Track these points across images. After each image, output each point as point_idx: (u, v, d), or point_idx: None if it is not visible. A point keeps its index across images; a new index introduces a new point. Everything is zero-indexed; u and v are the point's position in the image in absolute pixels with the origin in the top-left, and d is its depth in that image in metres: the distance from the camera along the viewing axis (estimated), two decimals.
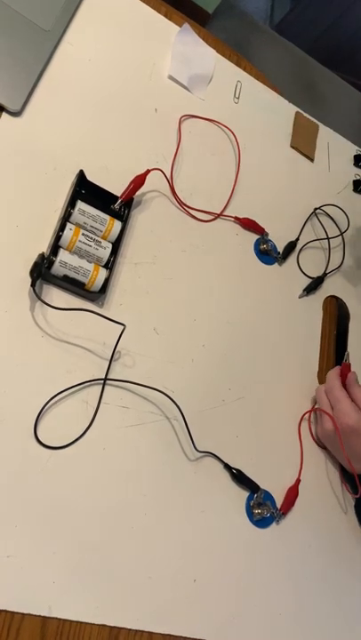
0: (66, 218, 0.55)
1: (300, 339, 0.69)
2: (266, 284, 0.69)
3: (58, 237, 0.53)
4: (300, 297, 0.71)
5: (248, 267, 0.68)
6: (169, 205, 0.65)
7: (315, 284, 0.71)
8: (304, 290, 0.71)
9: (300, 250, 0.73)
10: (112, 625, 0.46)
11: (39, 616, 0.44)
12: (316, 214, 0.77)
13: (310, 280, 0.72)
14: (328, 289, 0.74)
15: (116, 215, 0.58)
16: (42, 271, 0.51)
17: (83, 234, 0.55)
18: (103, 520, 0.49)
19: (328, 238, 0.76)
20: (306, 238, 0.74)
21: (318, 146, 0.82)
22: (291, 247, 0.72)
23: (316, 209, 0.76)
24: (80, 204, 0.56)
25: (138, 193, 0.60)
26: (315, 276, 0.72)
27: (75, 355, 0.52)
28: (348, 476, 0.62)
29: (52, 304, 0.52)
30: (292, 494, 0.58)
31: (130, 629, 0.47)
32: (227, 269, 0.66)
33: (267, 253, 0.70)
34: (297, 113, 0.82)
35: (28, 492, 0.46)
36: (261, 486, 0.57)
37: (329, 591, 0.58)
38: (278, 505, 0.58)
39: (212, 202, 0.68)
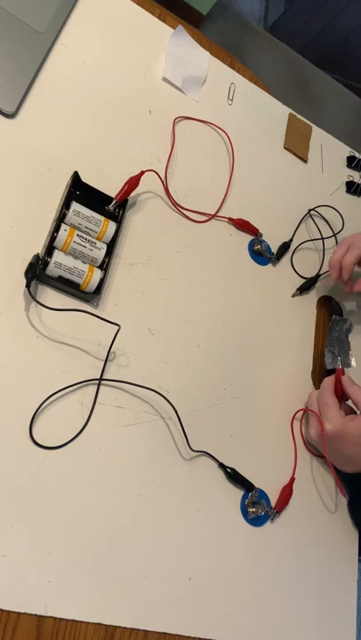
0: (60, 219, 0.55)
1: (294, 339, 0.69)
2: (260, 285, 0.69)
3: (52, 238, 0.54)
4: (293, 296, 0.71)
5: (242, 267, 0.69)
6: (163, 206, 0.65)
7: (308, 284, 0.72)
8: (298, 289, 0.71)
9: (294, 250, 0.74)
10: (108, 623, 0.46)
11: (35, 615, 0.44)
12: (310, 215, 0.77)
13: (304, 280, 0.72)
14: (322, 289, 0.74)
15: (110, 216, 0.59)
16: (37, 272, 0.51)
17: (77, 235, 0.55)
18: (99, 519, 0.49)
19: (322, 239, 0.76)
20: (300, 239, 0.75)
21: (312, 147, 0.83)
22: (285, 248, 0.72)
23: (310, 210, 0.77)
24: (75, 205, 0.56)
25: (132, 194, 0.61)
26: (309, 276, 0.73)
27: (70, 355, 0.53)
28: (341, 476, 0.62)
29: (47, 305, 0.52)
30: (287, 493, 0.59)
31: (125, 628, 0.47)
32: (221, 270, 0.66)
33: (261, 254, 0.70)
34: (290, 114, 0.83)
35: (23, 492, 0.46)
36: (256, 485, 0.57)
37: (323, 589, 0.58)
38: (273, 503, 0.58)
39: (206, 203, 0.68)
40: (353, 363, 0.65)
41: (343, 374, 0.62)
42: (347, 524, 0.63)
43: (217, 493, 0.56)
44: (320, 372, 0.69)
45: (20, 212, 0.55)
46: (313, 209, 0.77)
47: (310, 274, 0.73)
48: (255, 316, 0.67)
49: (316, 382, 0.68)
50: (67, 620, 0.45)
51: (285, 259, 0.73)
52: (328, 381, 0.62)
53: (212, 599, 0.52)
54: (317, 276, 0.73)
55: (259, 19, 2.20)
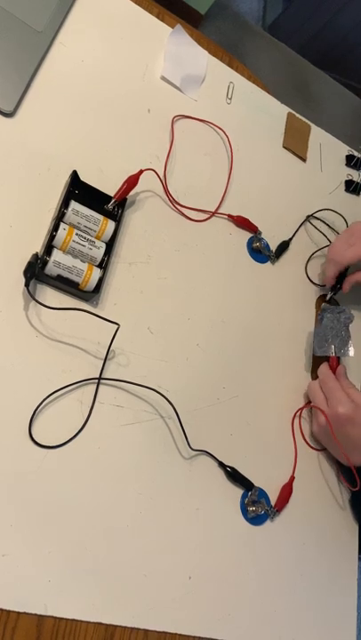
0: (59, 218, 0.55)
1: (293, 337, 0.69)
2: (259, 283, 0.69)
3: (51, 237, 0.54)
4: (328, 299, 0.72)
5: (241, 265, 0.69)
6: (162, 205, 0.65)
7: (338, 287, 0.71)
8: (331, 293, 0.72)
9: (309, 259, 0.74)
10: (108, 623, 0.46)
11: (35, 615, 0.44)
12: (308, 220, 0.77)
13: (315, 284, 0.74)
14: (322, 288, 0.74)
15: (109, 215, 0.59)
16: (36, 271, 0.51)
17: (76, 234, 0.55)
18: (98, 518, 0.49)
19: (327, 244, 0.76)
20: (302, 241, 0.75)
21: (310, 146, 0.82)
22: (284, 246, 0.72)
23: (308, 216, 0.77)
24: (74, 204, 0.56)
25: (131, 193, 0.61)
26: (320, 282, 0.74)
27: (69, 354, 0.53)
28: (345, 470, 0.62)
29: (47, 304, 0.52)
30: (287, 491, 0.59)
31: (125, 627, 0.47)
32: (220, 268, 0.66)
33: (260, 251, 0.70)
34: (289, 114, 0.83)
35: (23, 492, 0.46)
36: (256, 484, 0.57)
37: (323, 588, 0.58)
38: (273, 502, 0.58)
39: (205, 202, 0.68)
40: (351, 352, 0.65)
41: (337, 363, 0.63)
42: (347, 522, 0.63)
43: (217, 492, 0.56)
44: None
45: (19, 211, 0.55)
46: (311, 215, 0.77)
47: (320, 279, 0.74)
48: (255, 315, 0.67)
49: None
50: (67, 619, 0.45)
51: (284, 257, 0.73)
52: (326, 368, 0.63)
53: (213, 598, 0.52)
54: (344, 276, 0.72)
55: (257, 18, 2.20)
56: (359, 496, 0.62)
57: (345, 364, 0.66)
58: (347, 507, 0.64)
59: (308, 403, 0.65)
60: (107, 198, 0.59)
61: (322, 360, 0.66)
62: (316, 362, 0.68)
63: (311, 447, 0.64)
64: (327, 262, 0.71)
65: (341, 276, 0.71)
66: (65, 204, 0.56)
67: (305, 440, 0.64)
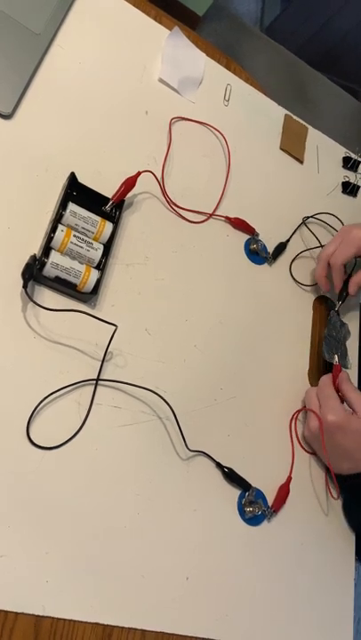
0: (57, 219, 0.55)
1: (291, 338, 0.69)
2: (256, 284, 0.69)
3: (49, 239, 0.54)
4: (337, 309, 0.71)
5: (239, 267, 0.69)
6: (160, 207, 0.65)
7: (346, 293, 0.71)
8: (339, 302, 0.71)
9: (294, 259, 0.74)
10: (105, 623, 0.46)
11: (33, 615, 0.44)
12: (305, 223, 0.77)
13: (302, 284, 0.73)
14: (319, 290, 0.74)
15: (107, 217, 0.59)
16: (33, 272, 0.51)
17: (74, 235, 0.55)
18: (96, 520, 0.49)
19: (321, 246, 0.76)
20: (298, 243, 0.75)
21: (308, 148, 0.83)
22: (281, 248, 0.72)
23: (305, 218, 0.77)
24: (71, 206, 0.56)
25: (129, 195, 0.61)
26: (308, 282, 0.73)
27: (67, 355, 0.53)
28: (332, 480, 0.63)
29: (44, 305, 0.52)
30: (284, 492, 0.59)
31: (123, 627, 0.47)
32: (218, 270, 0.67)
33: (257, 253, 0.70)
34: (286, 115, 0.83)
35: (20, 493, 0.46)
36: (253, 484, 0.57)
37: (321, 588, 0.59)
38: (270, 503, 0.58)
39: (202, 203, 0.69)
40: (349, 365, 0.70)
41: (340, 371, 0.63)
42: (345, 522, 0.63)
43: (214, 493, 0.56)
44: (316, 372, 0.70)
45: (17, 212, 0.55)
46: (308, 217, 0.77)
47: (311, 280, 0.74)
48: (252, 316, 0.67)
49: (313, 382, 0.68)
50: (64, 619, 0.45)
51: (282, 259, 0.73)
52: (327, 378, 0.63)
53: (210, 599, 0.52)
54: (347, 280, 0.72)
55: (255, 20, 2.20)
56: (351, 503, 0.63)
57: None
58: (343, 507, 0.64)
59: (305, 407, 0.65)
60: (104, 200, 0.59)
61: (318, 365, 0.67)
62: (321, 365, 0.69)
63: (305, 450, 0.64)
64: (332, 270, 0.70)
65: (345, 283, 0.71)
66: (63, 205, 0.56)
67: (300, 444, 0.64)
